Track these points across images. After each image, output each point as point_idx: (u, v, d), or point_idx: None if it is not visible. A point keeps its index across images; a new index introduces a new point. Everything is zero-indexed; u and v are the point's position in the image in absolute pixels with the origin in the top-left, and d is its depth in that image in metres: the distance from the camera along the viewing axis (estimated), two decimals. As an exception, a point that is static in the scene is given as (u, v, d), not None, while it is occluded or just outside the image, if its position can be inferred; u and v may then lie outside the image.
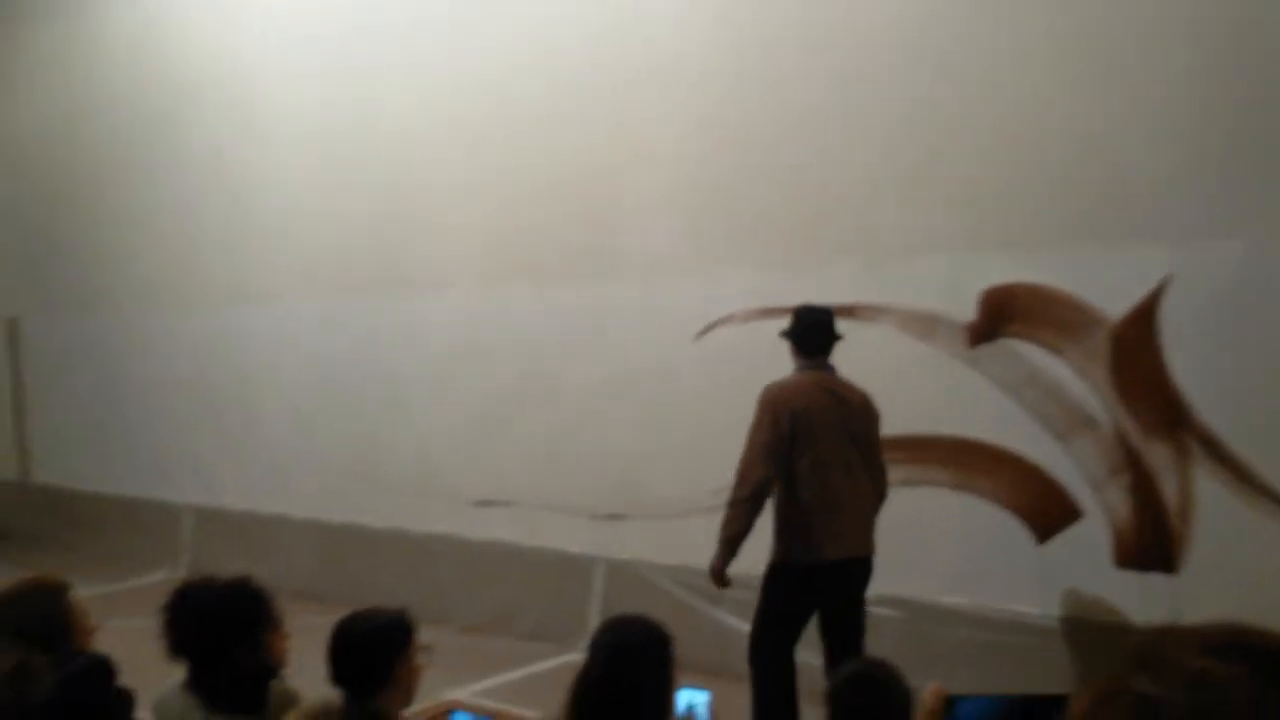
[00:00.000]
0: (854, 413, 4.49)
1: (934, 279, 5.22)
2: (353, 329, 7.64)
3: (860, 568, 4.54)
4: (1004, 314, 5.04)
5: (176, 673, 3.12)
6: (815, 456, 4.39)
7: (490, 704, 5.34)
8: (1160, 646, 0.88)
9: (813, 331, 4.55)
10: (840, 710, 2.64)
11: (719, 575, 4.45)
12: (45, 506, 10.05)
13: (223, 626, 2.97)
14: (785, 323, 4.68)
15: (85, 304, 9.57)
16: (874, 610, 5.37)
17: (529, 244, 6.66)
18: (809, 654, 4.53)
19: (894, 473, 5.31)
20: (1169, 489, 4.66)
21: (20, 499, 10.33)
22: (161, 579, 8.20)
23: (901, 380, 5.31)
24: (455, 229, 7.00)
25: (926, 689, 1.18)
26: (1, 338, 10.39)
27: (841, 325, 4.66)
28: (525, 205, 6.64)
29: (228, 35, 8.28)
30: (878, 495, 4.59)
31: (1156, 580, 4.70)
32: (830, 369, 4.55)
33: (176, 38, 8.66)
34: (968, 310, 5.13)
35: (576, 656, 6.00)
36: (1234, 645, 0.85)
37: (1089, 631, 4.77)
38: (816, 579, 4.44)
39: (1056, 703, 1.21)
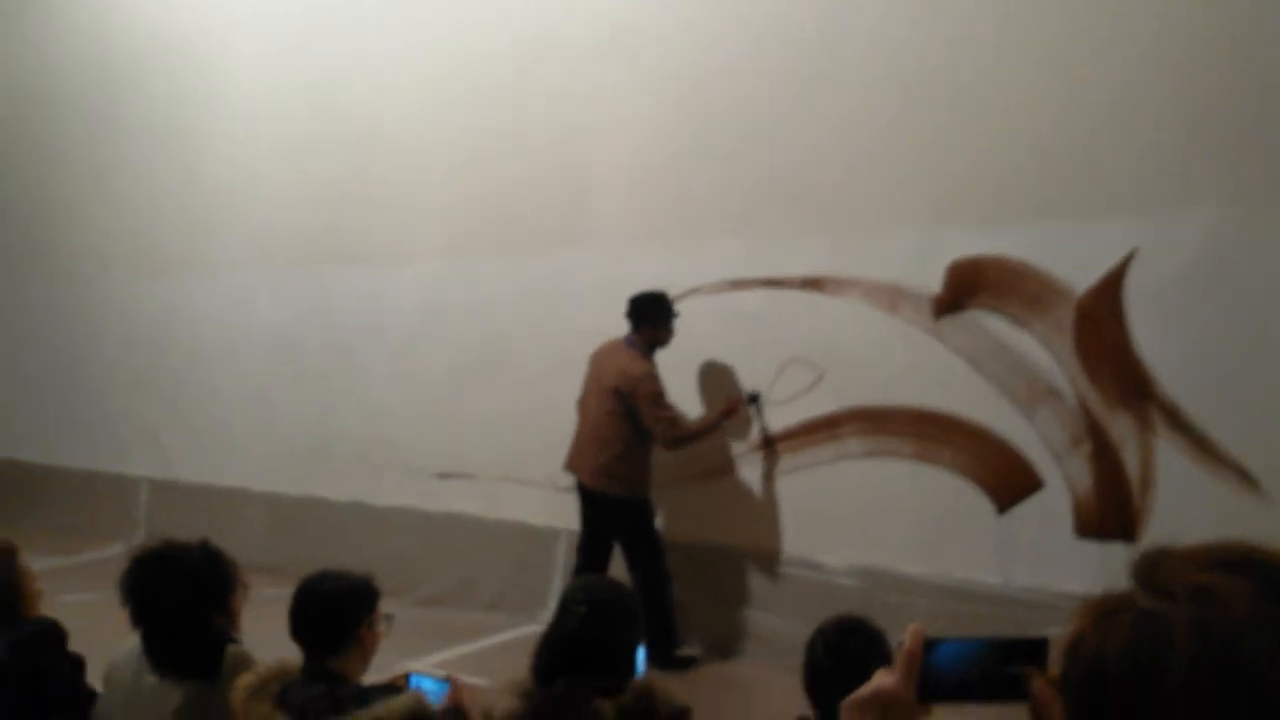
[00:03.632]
0: (605, 371, 5.61)
1: (901, 251, 5.22)
2: (312, 300, 7.55)
3: (592, 495, 5.69)
4: (970, 286, 5.05)
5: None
6: (581, 396, 5.79)
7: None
8: (1159, 565, 0.86)
9: (628, 307, 5.64)
10: (822, 654, 2.65)
11: None
12: (-5, 479, 9.88)
13: (193, 588, 2.92)
14: (753, 295, 5.39)
15: (38, 271, 9.38)
16: (835, 579, 5.45)
17: (492, 215, 6.59)
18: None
19: (857, 444, 5.37)
20: (1130, 459, 4.69)
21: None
22: (116, 553, 8.09)
23: (866, 352, 5.33)
24: (417, 200, 6.92)
25: (908, 629, 1.16)
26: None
27: (804, 298, 5.43)
28: (489, 176, 6.57)
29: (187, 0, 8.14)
30: (601, 440, 5.59)
31: (1117, 550, 4.74)
32: (627, 338, 5.64)
33: (135, 2, 8.50)
34: (934, 282, 5.13)
35: (536, 628, 5.99)
36: (1234, 562, 0.83)
37: (1049, 600, 4.79)
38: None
39: (1036, 645, 1.19)
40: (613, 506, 5.64)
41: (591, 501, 5.73)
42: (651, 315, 5.62)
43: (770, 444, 5.67)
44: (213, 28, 7.95)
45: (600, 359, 5.73)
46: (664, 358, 5.63)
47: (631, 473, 5.62)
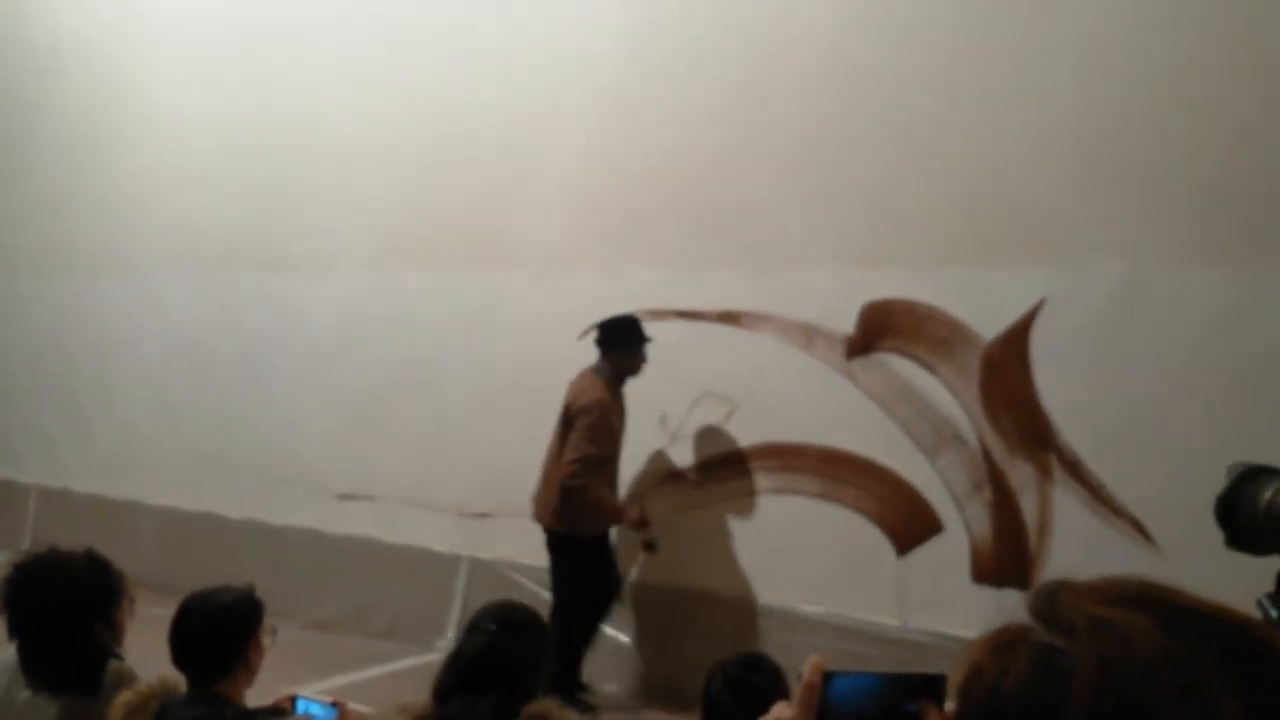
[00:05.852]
0: (568, 400, 5.26)
1: (817, 290, 5.26)
2: (225, 306, 7.38)
3: (551, 538, 5.32)
4: (881, 328, 5.11)
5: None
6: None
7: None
8: (1057, 598, 0.86)
9: (598, 333, 5.34)
10: (722, 688, 2.65)
11: None
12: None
13: (76, 599, 2.81)
14: (670, 326, 5.37)
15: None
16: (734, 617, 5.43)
17: (416, 230, 6.51)
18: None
19: (764, 480, 5.37)
20: (1028, 507, 4.77)
21: None
22: (1, 562, 7.77)
23: (778, 388, 5.35)
24: (342, 211, 6.81)
25: (807, 661, 1.14)
26: None
27: (720, 331, 5.41)
28: (417, 191, 6.50)
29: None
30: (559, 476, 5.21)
31: (1012, 596, 4.80)
32: (596, 365, 5.32)
33: (50, -4, 8.31)
34: (847, 323, 5.18)
35: (432, 657, 5.88)
36: (1134, 597, 0.83)
37: (945, 644, 4.83)
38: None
39: (934, 681, 1.18)
40: (565, 541, 5.35)
41: (551, 546, 5.39)
42: (617, 342, 5.32)
43: (679, 478, 5.65)
44: (133, 23, 7.79)
45: (569, 389, 5.38)
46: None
47: (583, 506, 5.26)
